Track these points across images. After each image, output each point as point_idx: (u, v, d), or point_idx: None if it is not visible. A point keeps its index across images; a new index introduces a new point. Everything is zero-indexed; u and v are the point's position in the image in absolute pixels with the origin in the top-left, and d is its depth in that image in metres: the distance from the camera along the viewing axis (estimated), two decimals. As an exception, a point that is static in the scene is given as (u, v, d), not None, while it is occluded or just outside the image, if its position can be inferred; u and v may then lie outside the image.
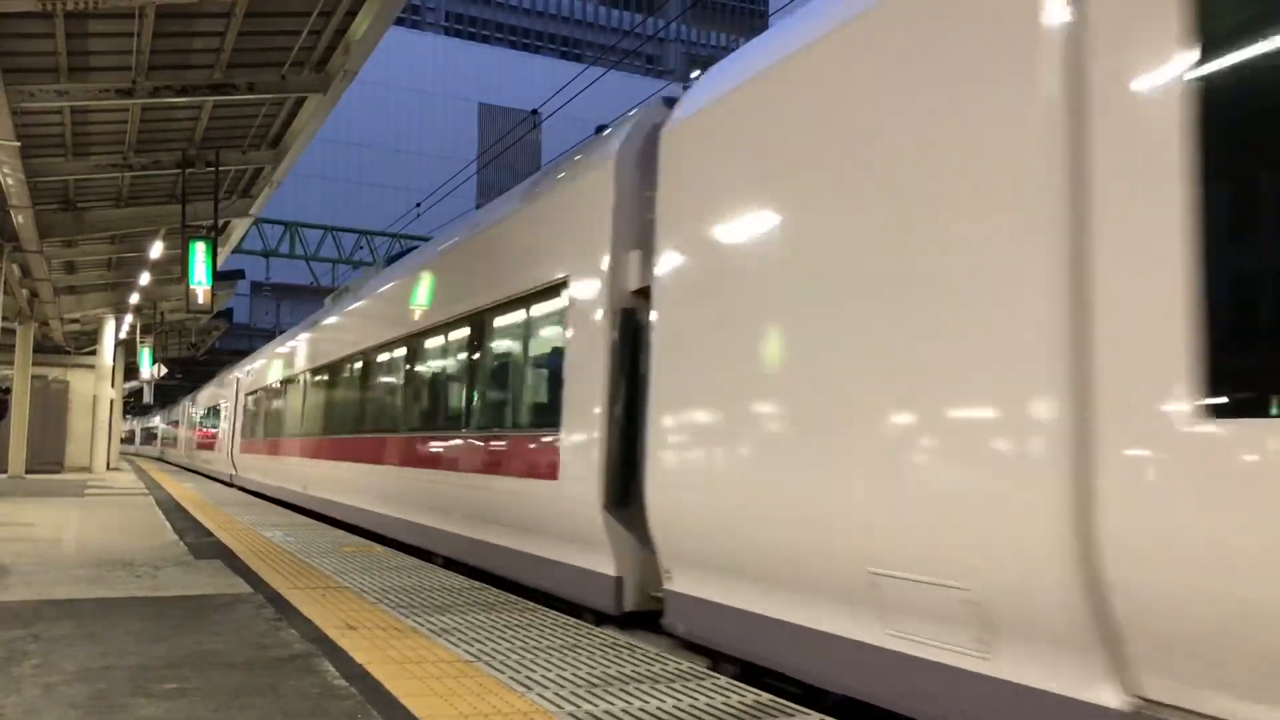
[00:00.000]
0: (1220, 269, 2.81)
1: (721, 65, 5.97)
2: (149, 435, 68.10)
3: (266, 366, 21.43)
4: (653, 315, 6.02)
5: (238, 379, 25.97)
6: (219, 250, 17.81)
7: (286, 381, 18.50)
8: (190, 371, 48.67)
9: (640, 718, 3.93)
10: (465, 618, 6.10)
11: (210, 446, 31.08)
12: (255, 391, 22.39)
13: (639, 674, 4.68)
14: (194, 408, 38.59)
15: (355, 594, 6.94)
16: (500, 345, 8.65)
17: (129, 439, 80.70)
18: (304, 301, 52.52)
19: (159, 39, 11.03)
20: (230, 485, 25.10)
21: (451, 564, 9.50)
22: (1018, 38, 3.47)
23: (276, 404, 19.45)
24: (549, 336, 7.58)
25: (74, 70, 11.54)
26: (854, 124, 4.41)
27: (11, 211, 14.95)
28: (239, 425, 24.82)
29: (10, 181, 13.30)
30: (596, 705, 4.10)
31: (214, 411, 30.87)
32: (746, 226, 5.19)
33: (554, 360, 7.35)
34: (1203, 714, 2.91)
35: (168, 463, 45.46)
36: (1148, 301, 2.97)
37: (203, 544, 10.10)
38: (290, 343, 19.13)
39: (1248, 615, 2.70)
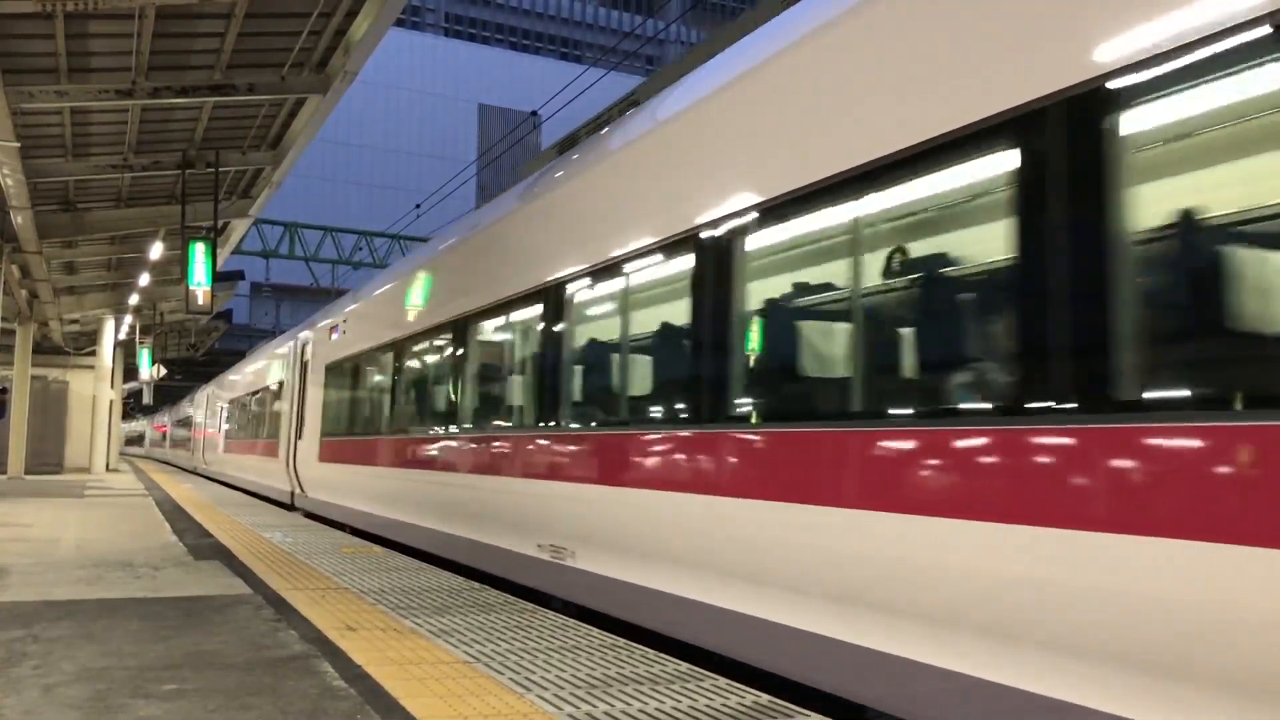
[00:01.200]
0: None
1: None
2: (162, 436, 58.33)
3: (371, 317, 13.08)
4: None
5: (304, 344, 17.16)
6: (219, 251, 17.80)
7: (444, 330, 10.12)
8: (190, 372, 48.69)
9: (639, 719, 3.93)
10: (464, 619, 6.10)
11: (249, 449, 22.24)
12: (351, 358, 13.70)
13: (638, 675, 4.68)
14: (217, 398, 29.87)
15: (354, 595, 6.93)
16: None
17: (137, 440, 75.29)
18: (304, 302, 52.55)
19: (159, 40, 11.04)
20: (291, 509, 16.98)
21: None
22: None
23: (418, 375, 11.06)
24: None
25: (74, 71, 11.54)
26: None
27: (11, 212, 14.96)
28: (310, 416, 15.91)
29: (10, 182, 13.31)
30: (596, 706, 4.10)
31: (254, 399, 22.25)
32: None
33: None
34: None
35: (190, 472, 35.85)
36: None
37: (202, 545, 10.10)
38: (453, 252, 10.42)
39: None
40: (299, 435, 16.57)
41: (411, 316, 11.40)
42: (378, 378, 12.47)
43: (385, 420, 11.93)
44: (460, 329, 9.78)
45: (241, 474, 23.79)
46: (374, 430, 12.35)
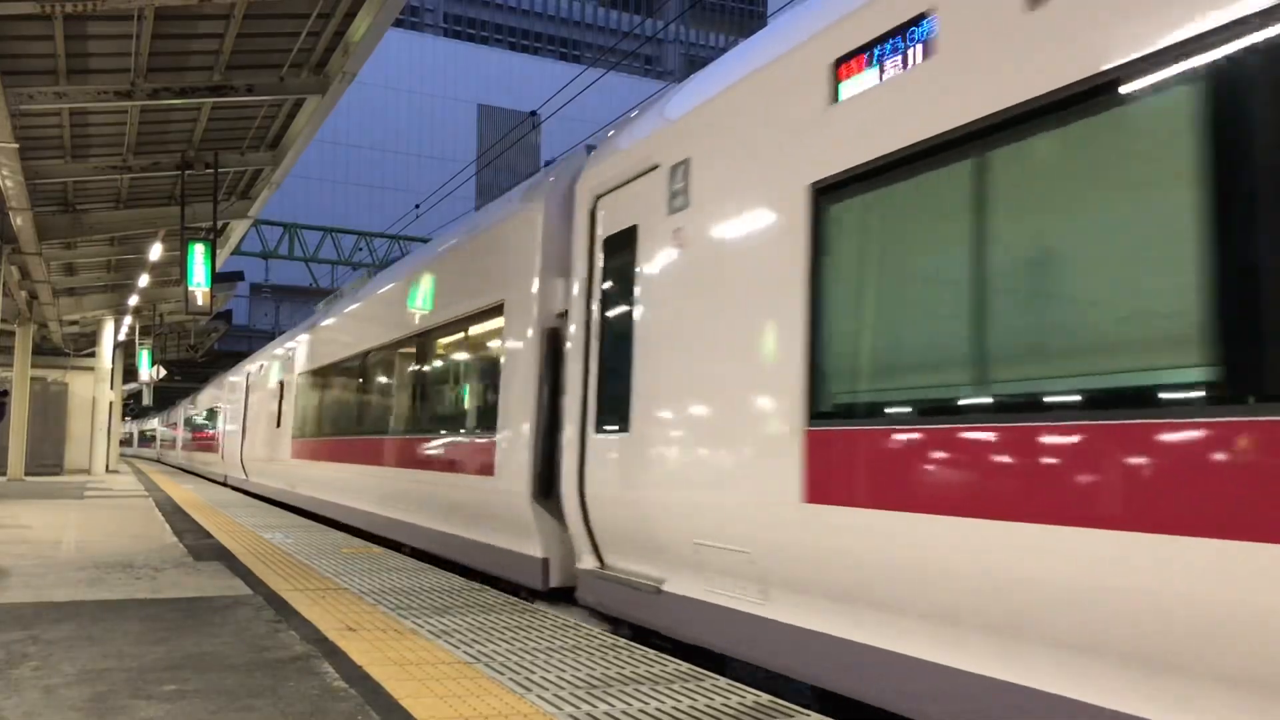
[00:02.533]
0: None
1: None
2: (172, 437, 44.76)
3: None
4: None
5: (621, 186, 6.47)
6: (218, 252, 17.80)
7: None
8: (190, 373, 48.66)
9: (639, 719, 3.93)
10: (465, 619, 6.10)
11: (366, 454, 12.09)
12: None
13: (639, 675, 4.68)
14: (277, 368, 18.78)
15: (355, 595, 6.94)
16: None
17: (149, 442, 65.57)
18: (304, 303, 52.55)
19: (158, 41, 11.05)
20: (541, 596, 7.31)
21: None
22: None
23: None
24: None
25: (73, 72, 11.55)
26: None
27: (10, 214, 14.96)
28: (712, 365, 5.25)
29: (9, 184, 13.30)
30: (596, 706, 4.10)
31: (386, 353, 11.78)
32: None
33: None
34: None
35: (222, 484, 25.71)
36: None
37: (202, 546, 10.10)
38: None
39: None
40: (608, 421, 6.47)
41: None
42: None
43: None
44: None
45: (344, 498, 13.35)
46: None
